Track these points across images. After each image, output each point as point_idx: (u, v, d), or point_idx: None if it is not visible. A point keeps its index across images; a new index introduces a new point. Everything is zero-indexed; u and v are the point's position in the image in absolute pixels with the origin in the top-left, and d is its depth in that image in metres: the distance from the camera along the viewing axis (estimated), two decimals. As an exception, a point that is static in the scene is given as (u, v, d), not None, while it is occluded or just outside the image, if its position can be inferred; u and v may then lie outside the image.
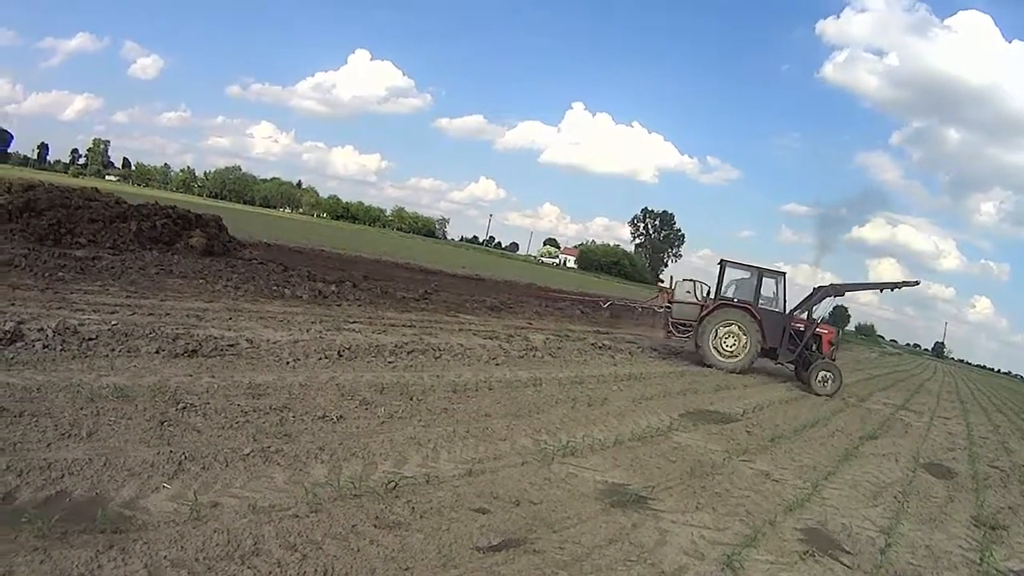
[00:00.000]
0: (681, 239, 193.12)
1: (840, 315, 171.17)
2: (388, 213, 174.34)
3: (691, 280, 24.37)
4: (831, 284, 24.71)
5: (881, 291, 26.01)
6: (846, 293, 25.10)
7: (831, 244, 26.61)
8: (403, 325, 15.92)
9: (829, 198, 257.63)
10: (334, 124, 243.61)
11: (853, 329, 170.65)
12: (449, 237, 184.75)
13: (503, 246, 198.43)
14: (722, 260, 24.00)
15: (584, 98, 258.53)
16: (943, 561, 8.31)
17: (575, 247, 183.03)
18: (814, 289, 24.75)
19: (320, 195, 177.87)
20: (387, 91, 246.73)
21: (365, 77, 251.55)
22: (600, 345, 20.74)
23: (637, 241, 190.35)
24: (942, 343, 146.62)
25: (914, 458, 14.83)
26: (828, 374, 22.67)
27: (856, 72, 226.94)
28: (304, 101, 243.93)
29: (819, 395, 22.06)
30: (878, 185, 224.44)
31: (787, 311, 23.81)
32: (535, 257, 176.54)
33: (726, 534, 7.42)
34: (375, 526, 5.69)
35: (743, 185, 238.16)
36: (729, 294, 23.65)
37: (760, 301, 23.45)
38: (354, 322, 14.81)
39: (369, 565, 5.07)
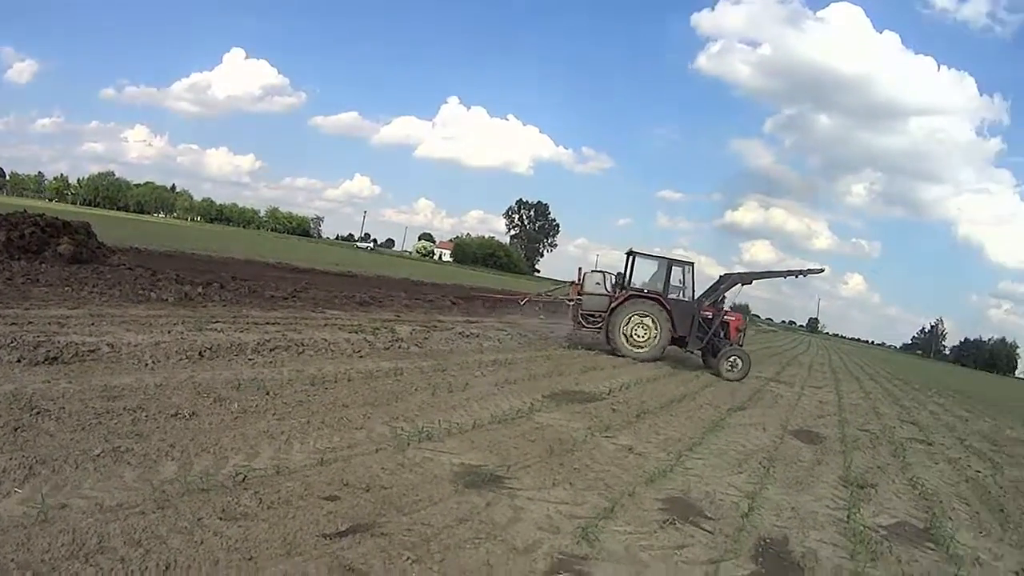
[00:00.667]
0: (556, 229, 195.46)
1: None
2: (262, 214, 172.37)
3: (600, 272, 24.46)
4: (739, 273, 25.42)
5: (786, 278, 26.66)
6: (754, 281, 25.61)
7: None
8: (268, 323, 15.56)
9: (703, 184, 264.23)
10: (209, 125, 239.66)
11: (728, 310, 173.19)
12: (324, 235, 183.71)
13: (378, 242, 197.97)
14: (631, 251, 24.26)
15: (459, 92, 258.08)
16: (809, 521, 8.46)
17: (450, 241, 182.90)
18: (720, 277, 25.41)
19: (194, 198, 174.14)
20: (262, 90, 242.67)
21: (240, 76, 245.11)
22: (468, 334, 20.53)
23: (512, 233, 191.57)
24: (816, 319, 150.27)
25: (782, 426, 15.17)
26: (737, 359, 23.25)
27: (730, 62, 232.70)
28: (179, 103, 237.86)
29: (728, 380, 22.52)
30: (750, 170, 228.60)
31: (695, 300, 24.22)
32: (410, 252, 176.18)
33: (583, 508, 7.36)
34: (221, 518, 5.50)
35: (619, 174, 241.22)
36: (638, 284, 23.90)
37: (669, 291, 23.79)
38: (217, 322, 14.37)
39: (212, 557, 4.93)
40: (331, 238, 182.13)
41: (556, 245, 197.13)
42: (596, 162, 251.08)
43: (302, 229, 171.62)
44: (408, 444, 8.48)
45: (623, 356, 22.71)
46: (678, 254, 25.16)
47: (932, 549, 8.34)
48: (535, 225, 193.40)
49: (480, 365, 15.52)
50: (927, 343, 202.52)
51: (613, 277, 24.39)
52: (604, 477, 8.70)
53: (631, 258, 24.03)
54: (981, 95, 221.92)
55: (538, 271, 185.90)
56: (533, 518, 6.87)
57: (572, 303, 24.51)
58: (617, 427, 11.73)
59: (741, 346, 24.53)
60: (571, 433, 10.69)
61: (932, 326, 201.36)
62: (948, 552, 8.22)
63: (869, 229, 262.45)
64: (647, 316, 23.06)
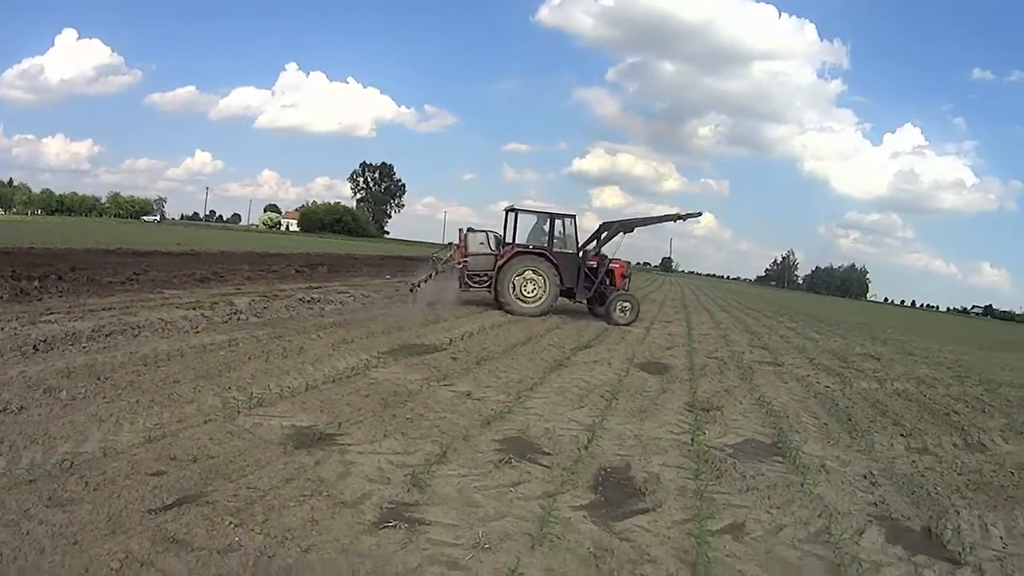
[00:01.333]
0: (402, 189, 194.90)
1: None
2: (104, 200, 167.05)
3: (483, 231, 24.55)
4: (618, 221, 25.65)
5: (663, 222, 27.29)
6: (635, 229, 25.90)
7: None
8: (104, 309, 15.09)
9: (550, 136, 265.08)
10: (44, 112, 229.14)
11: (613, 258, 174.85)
12: (169, 216, 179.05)
13: (225, 219, 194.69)
14: (512, 208, 24.54)
15: (297, 58, 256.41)
16: (652, 447, 8.72)
17: (296, 210, 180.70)
18: (600, 226, 25.77)
19: (33, 191, 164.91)
20: (96, 71, 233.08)
21: (73, 58, 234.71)
22: (308, 299, 20.34)
23: (358, 197, 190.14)
24: (669, 258, 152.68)
25: (628, 360, 15.54)
26: (627, 304, 24.35)
27: (572, 13, 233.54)
28: (11, 91, 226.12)
29: (620, 325, 23.55)
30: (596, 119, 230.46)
31: (580, 251, 24.72)
32: (256, 225, 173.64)
33: (416, 456, 7.40)
34: (47, 506, 5.30)
35: (463, 130, 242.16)
36: (522, 240, 24.09)
37: (553, 244, 24.14)
38: (52, 313, 13.85)
39: (39, 545, 4.78)
40: (175, 219, 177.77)
41: (403, 206, 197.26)
42: (439, 119, 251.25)
43: (145, 212, 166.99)
44: (239, 412, 8.37)
45: (515, 314, 22.98)
46: (530, 204, 25.33)
47: (779, 462, 8.74)
48: (381, 187, 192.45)
49: (318, 328, 15.39)
50: (780, 274, 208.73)
51: (494, 236, 24.48)
52: (439, 424, 8.77)
53: (513, 215, 24.25)
54: (822, 40, 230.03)
55: (387, 232, 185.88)
56: (363, 471, 6.87)
57: (459, 265, 24.08)
58: (456, 375, 11.85)
59: (628, 291, 25.31)
60: (407, 385, 10.71)
61: (783, 258, 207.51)
62: (795, 463, 8.64)
63: (717, 169, 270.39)
64: (534, 271, 23.42)
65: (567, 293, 24.40)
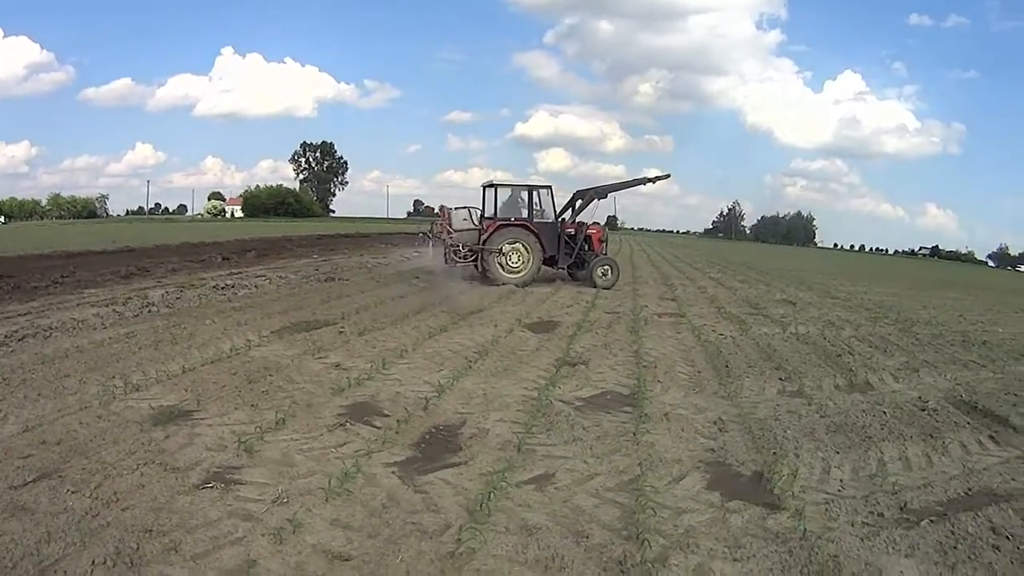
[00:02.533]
0: (344, 167, 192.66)
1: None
2: (44, 203, 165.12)
3: (464, 208, 25.22)
4: (593, 188, 26.31)
5: (634, 187, 27.98)
6: (608, 194, 26.41)
7: None
8: (20, 315, 15.06)
9: (491, 102, 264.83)
10: None
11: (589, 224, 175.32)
12: (113, 213, 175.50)
13: (170, 211, 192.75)
14: (491, 183, 25.21)
15: (232, 41, 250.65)
16: (495, 404, 8.95)
17: (239, 196, 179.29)
18: (574, 194, 26.55)
19: None
20: (26, 69, 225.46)
21: (1, 58, 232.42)
22: (223, 286, 20.41)
23: (301, 177, 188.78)
24: (614, 216, 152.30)
25: (517, 320, 15.76)
26: (607, 267, 25.16)
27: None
28: None
29: (603, 288, 24.29)
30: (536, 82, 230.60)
31: (558, 220, 25.33)
32: (200, 215, 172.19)
33: (256, 425, 7.70)
34: None
35: (405, 102, 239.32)
36: (504, 214, 24.71)
37: (533, 215, 24.76)
38: None
39: None
40: (120, 214, 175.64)
41: (347, 183, 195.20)
42: (381, 93, 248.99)
43: (88, 211, 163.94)
44: (114, 399, 8.61)
45: (502, 285, 23.39)
46: (501, 176, 25.93)
47: (626, 412, 8.92)
48: (323, 166, 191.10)
49: (218, 313, 15.50)
50: (727, 225, 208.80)
51: (476, 212, 25.26)
52: (294, 395, 9.04)
53: (493, 190, 24.94)
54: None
55: (333, 211, 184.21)
56: (204, 442, 7.20)
57: (448, 242, 24.79)
58: (333, 348, 12.07)
59: (606, 255, 26.19)
60: (279, 360, 10.95)
61: (729, 209, 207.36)
62: (641, 412, 8.77)
63: (660, 125, 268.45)
64: (518, 242, 24.04)
65: (549, 261, 25.17)
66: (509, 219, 24.42)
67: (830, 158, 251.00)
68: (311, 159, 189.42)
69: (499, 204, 24.87)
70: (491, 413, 8.56)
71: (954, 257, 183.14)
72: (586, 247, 25.85)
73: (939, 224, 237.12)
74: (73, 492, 5.86)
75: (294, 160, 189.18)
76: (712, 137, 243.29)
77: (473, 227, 24.66)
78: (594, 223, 26.33)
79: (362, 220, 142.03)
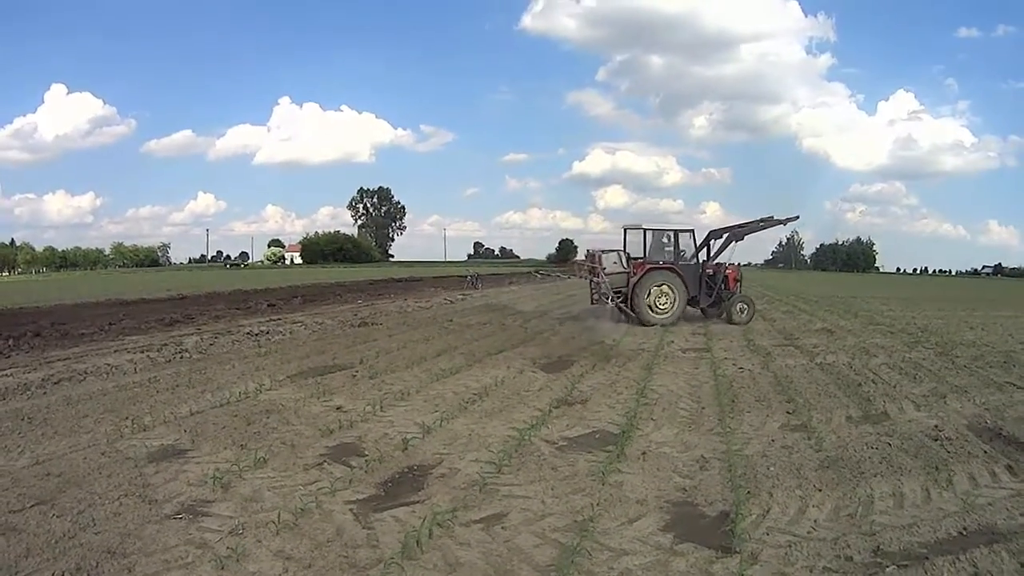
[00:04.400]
0: (402, 212, 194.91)
1: (568, 248, 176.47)
2: (107, 252, 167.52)
3: (613, 251, 25.94)
4: (729, 229, 27.02)
5: (769, 227, 28.32)
6: (745, 237, 27.11)
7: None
8: (60, 360, 15.63)
9: (547, 142, 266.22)
10: (42, 170, 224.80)
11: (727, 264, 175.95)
12: (175, 261, 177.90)
13: (232, 258, 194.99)
14: (633, 226, 26.40)
15: (289, 91, 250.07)
16: (476, 444, 9.15)
17: (298, 243, 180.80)
18: (708, 234, 27.03)
19: (36, 249, 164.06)
20: (90, 123, 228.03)
21: (65, 113, 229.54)
22: (258, 332, 20.92)
23: (359, 223, 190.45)
24: (625, 251, 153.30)
25: (533, 360, 15.90)
26: (744, 305, 26.07)
27: (555, 18, 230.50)
28: (6, 152, 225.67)
29: (739, 324, 25.19)
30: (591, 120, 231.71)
31: (698, 262, 26.23)
32: (261, 262, 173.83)
33: (242, 464, 8.02)
34: None
35: (461, 146, 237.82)
36: (651, 256, 25.55)
37: (678, 258, 25.72)
38: (13, 367, 14.63)
39: None
40: (183, 262, 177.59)
41: (405, 227, 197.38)
42: (437, 138, 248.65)
43: (150, 259, 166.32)
44: (121, 437, 9.19)
45: (650, 325, 24.25)
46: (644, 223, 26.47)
47: (607, 451, 8.83)
48: (380, 211, 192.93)
49: (242, 359, 15.82)
50: (787, 255, 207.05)
51: (625, 254, 26.01)
52: (284, 436, 9.34)
53: (644, 233, 25.77)
54: (806, 16, 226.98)
55: (392, 256, 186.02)
56: (187, 477, 7.69)
57: (601, 283, 25.69)
58: (340, 391, 12.30)
59: (742, 293, 26.86)
60: (284, 403, 11.25)
61: (788, 238, 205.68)
62: (622, 451, 8.78)
63: (717, 157, 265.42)
64: (665, 284, 24.94)
65: (691, 301, 26.10)
66: (657, 262, 25.27)
67: (888, 180, 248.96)
68: (368, 205, 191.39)
69: (647, 247, 25.64)
70: (469, 453, 8.66)
71: (1018, 274, 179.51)
72: (724, 287, 26.54)
73: (1002, 240, 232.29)
74: (58, 517, 6.46)
75: (352, 206, 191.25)
76: (769, 166, 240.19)
77: (623, 270, 25.45)
78: (730, 264, 27.05)
79: (420, 264, 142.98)
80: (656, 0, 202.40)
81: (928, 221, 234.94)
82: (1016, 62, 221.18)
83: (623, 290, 25.22)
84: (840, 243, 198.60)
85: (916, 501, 7.40)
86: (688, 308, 26.41)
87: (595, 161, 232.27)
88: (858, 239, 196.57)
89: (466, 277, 52.85)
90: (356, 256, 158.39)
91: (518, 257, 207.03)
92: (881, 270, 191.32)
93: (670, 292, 24.95)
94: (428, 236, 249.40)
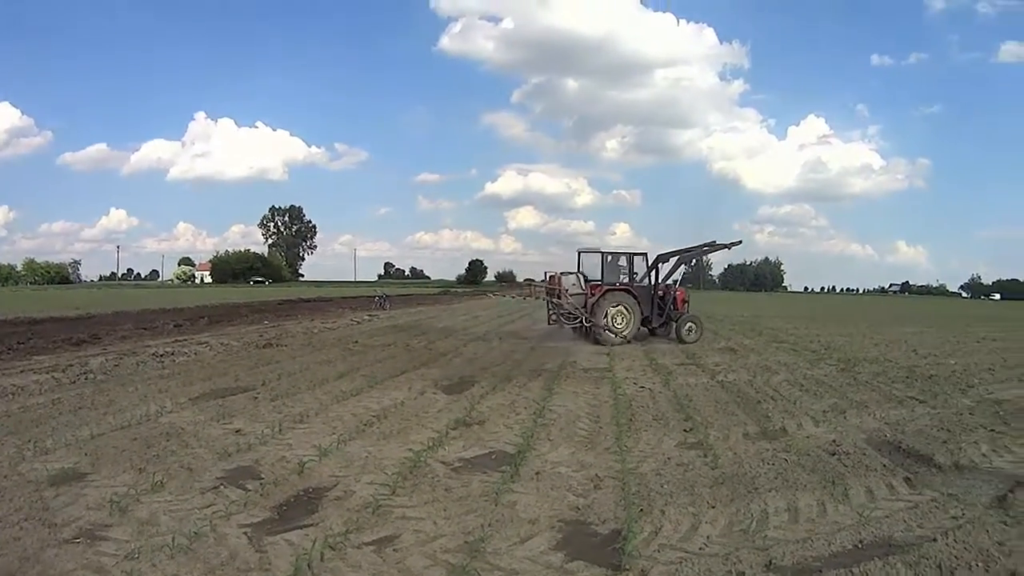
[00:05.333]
0: (313, 230, 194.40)
1: (478, 269, 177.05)
2: (19, 268, 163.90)
3: (572, 273, 27.30)
4: (677, 253, 28.69)
5: (714, 251, 30.55)
6: (693, 261, 30.14)
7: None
8: None
9: (461, 163, 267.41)
10: None
11: (494, 279, 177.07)
12: (85, 279, 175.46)
13: (143, 276, 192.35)
14: (589, 248, 28.02)
15: (204, 106, 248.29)
16: (374, 466, 9.13)
17: (208, 261, 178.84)
18: (656, 257, 28.33)
19: None
20: (6, 134, 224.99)
21: None
22: (163, 353, 20.60)
23: (270, 242, 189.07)
24: (582, 272, 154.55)
25: (435, 381, 16.08)
26: (692, 324, 27.63)
27: (473, 40, 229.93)
28: None
29: (688, 343, 26.61)
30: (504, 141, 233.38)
31: (650, 283, 27.81)
32: (170, 280, 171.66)
33: (139, 488, 8.01)
34: None
35: (374, 165, 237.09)
36: (607, 279, 26.97)
37: (632, 280, 27.28)
38: None
39: None
40: (94, 280, 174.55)
41: (316, 247, 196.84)
42: (351, 156, 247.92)
43: (61, 276, 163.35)
44: (23, 460, 9.12)
45: (607, 344, 25.30)
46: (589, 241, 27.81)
47: (502, 472, 8.90)
48: (292, 230, 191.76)
49: (146, 381, 15.63)
50: (695, 275, 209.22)
51: (582, 276, 27.42)
52: (185, 459, 9.26)
53: (602, 256, 27.34)
54: (721, 43, 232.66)
55: (302, 276, 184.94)
56: (86, 501, 7.61)
57: (562, 305, 26.89)
58: (241, 413, 12.22)
59: (689, 313, 28.53)
60: (184, 426, 11.15)
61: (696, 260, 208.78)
62: (516, 471, 8.89)
63: (628, 179, 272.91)
64: (621, 305, 26.44)
65: (644, 321, 27.55)
66: (614, 284, 26.77)
67: (797, 203, 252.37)
68: (280, 223, 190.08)
69: (604, 269, 27.05)
70: (365, 476, 8.64)
71: (925, 291, 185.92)
72: (672, 307, 28.05)
73: (909, 260, 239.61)
74: (-45, 539, 6.33)
75: (263, 224, 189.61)
76: (680, 189, 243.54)
77: (581, 291, 26.76)
78: (680, 286, 29.17)
79: (330, 284, 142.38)
80: (574, 24, 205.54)
81: (836, 241, 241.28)
82: (927, 88, 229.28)
83: (581, 310, 26.30)
84: (748, 263, 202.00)
85: (811, 515, 7.54)
86: (643, 329, 27.95)
87: (507, 182, 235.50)
88: (766, 259, 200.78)
89: (374, 298, 52.76)
90: (266, 275, 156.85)
91: (428, 278, 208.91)
92: (789, 289, 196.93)
93: (626, 312, 26.41)
94: (339, 255, 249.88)
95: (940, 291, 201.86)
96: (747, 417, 12.65)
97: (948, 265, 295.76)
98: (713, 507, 7.72)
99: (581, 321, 26.44)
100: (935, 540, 6.75)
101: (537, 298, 32.17)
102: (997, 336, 34.81)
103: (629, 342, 25.92)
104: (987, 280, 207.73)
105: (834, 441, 10.81)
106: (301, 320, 37.90)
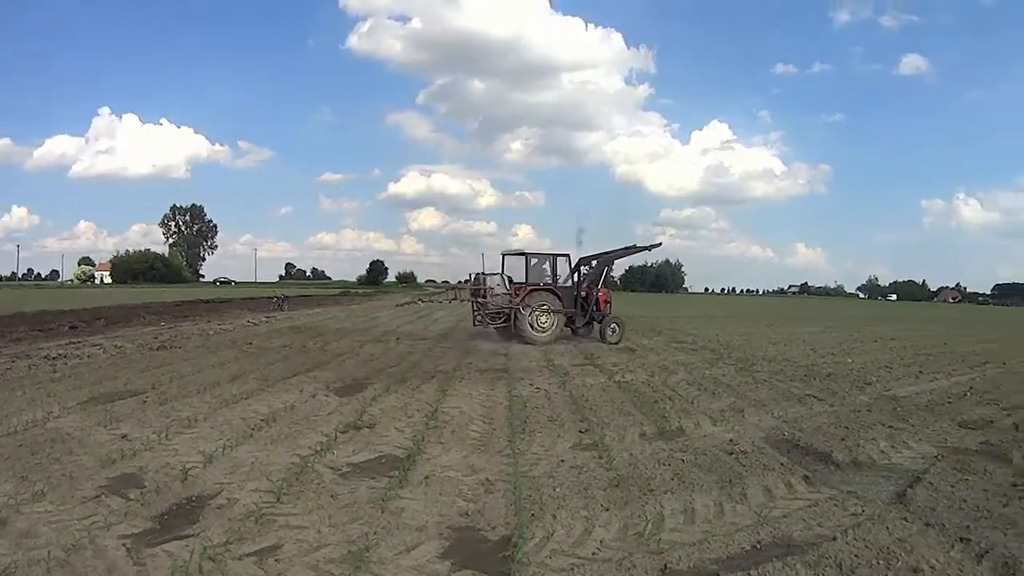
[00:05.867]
0: (214, 230, 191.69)
1: (379, 270, 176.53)
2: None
3: (496, 274, 27.80)
4: (599, 256, 29.28)
5: (635, 253, 31.21)
6: (614, 263, 30.29)
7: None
8: None
9: (364, 162, 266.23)
10: None
11: (394, 279, 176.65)
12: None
13: (43, 276, 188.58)
14: (515, 251, 28.47)
15: (109, 101, 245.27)
16: (260, 472, 8.82)
17: (108, 261, 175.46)
18: (579, 260, 28.92)
19: None
20: None
21: None
22: (55, 356, 19.89)
23: (171, 241, 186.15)
24: (482, 273, 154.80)
25: (327, 384, 15.75)
26: (615, 325, 28.15)
27: (381, 39, 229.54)
28: None
29: (612, 343, 27.02)
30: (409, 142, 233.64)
31: (574, 284, 28.29)
32: (70, 280, 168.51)
33: (20, 497, 7.71)
34: None
35: (278, 164, 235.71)
36: (531, 279, 27.48)
37: (556, 280, 27.94)
38: None
39: None
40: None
41: (216, 247, 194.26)
42: (254, 155, 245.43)
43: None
44: None
45: (532, 344, 25.76)
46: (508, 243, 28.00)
47: (391, 476, 8.70)
48: (192, 229, 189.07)
49: (35, 384, 15.15)
50: (595, 277, 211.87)
51: (507, 277, 27.86)
52: (68, 467, 8.91)
53: (526, 258, 27.72)
54: (628, 47, 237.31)
55: (202, 276, 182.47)
56: None
57: (487, 305, 27.46)
58: (128, 418, 11.82)
59: (612, 314, 29.06)
60: (70, 432, 10.78)
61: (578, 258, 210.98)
62: (405, 477, 8.70)
63: (531, 181, 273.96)
64: (545, 305, 26.82)
65: (568, 321, 28.00)
66: (538, 284, 27.30)
67: (699, 206, 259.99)
68: (181, 223, 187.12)
69: (528, 271, 27.51)
70: (250, 482, 8.39)
71: (824, 292, 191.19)
72: (595, 308, 28.58)
73: (809, 262, 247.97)
74: None
75: (163, 224, 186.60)
76: (582, 191, 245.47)
77: (506, 292, 27.22)
78: (602, 287, 29.25)
79: (231, 284, 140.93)
80: (483, 25, 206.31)
81: (737, 244, 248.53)
82: (829, 97, 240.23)
83: (505, 310, 26.75)
84: (649, 265, 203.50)
85: (708, 516, 7.54)
86: (567, 329, 28.41)
87: (410, 183, 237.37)
88: (667, 261, 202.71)
89: (272, 299, 52.32)
90: (167, 276, 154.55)
91: (330, 279, 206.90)
92: (690, 290, 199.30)
93: (550, 312, 26.78)
94: (240, 256, 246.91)
95: (838, 292, 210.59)
96: (644, 417, 12.63)
97: (846, 267, 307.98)
98: (607, 510, 7.64)
99: (506, 321, 26.85)
100: (835, 539, 6.82)
101: (463, 301, 32.55)
102: (894, 335, 35.87)
103: (552, 343, 26.14)
104: (884, 282, 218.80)
105: (732, 440, 10.91)
106: (198, 321, 37.06)
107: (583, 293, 28.27)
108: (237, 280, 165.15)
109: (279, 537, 6.76)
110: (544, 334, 26.42)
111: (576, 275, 28.49)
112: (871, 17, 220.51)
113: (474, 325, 29.05)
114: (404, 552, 6.49)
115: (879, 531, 7.02)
